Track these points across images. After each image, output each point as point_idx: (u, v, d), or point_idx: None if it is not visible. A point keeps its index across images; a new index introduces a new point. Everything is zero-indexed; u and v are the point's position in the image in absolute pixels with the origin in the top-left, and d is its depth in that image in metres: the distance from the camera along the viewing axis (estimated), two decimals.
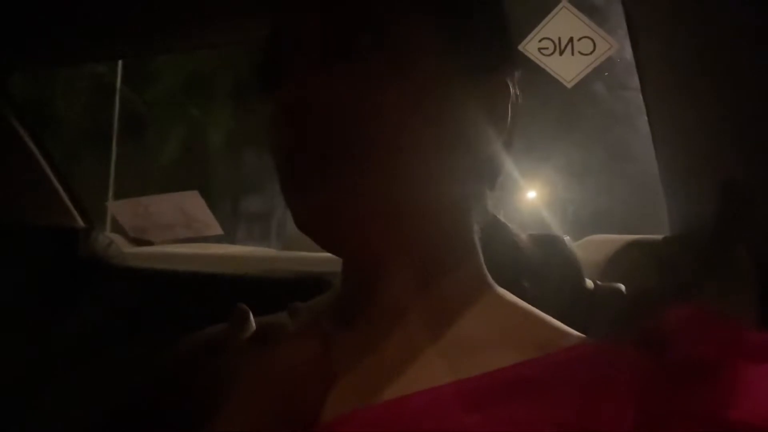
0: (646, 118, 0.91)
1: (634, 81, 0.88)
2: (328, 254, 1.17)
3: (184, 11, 0.97)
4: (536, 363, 0.41)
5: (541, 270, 0.71)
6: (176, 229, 1.30)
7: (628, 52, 0.84)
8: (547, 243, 0.74)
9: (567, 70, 0.87)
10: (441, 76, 0.44)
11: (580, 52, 0.84)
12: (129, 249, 1.21)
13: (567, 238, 0.77)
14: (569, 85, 0.88)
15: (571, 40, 0.85)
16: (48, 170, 1.23)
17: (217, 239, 1.40)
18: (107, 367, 0.77)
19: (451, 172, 0.45)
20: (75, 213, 1.26)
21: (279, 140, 0.44)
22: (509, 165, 0.49)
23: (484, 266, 0.49)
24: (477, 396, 0.40)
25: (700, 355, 0.38)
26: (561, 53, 0.87)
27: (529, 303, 0.49)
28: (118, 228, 1.37)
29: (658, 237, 0.98)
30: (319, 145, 0.41)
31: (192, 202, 1.29)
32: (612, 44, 0.84)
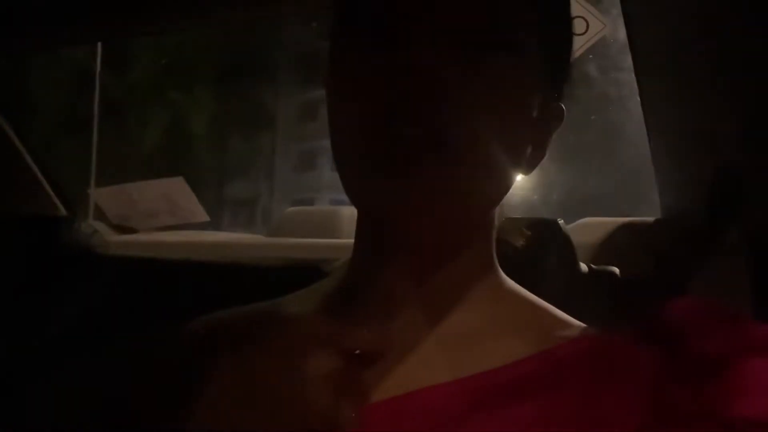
0: (638, 99, 0.90)
1: (627, 61, 0.87)
2: (316, 240, 1.15)
3: None
4: (541, 358, 0.41)
5: (536, 254, 0.71)
6: (161, 217, 1.28)
7: (622, 33, 0.83)
8: (542, 227, 0.74)
9: None
10: (536, 89, 0.44)
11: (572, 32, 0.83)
12: (113, 237, 1.19)
13: (561, 222, 0.76)
14: None
15: None
16: (29, 159, 1.21)
17: (202, 226, 1.38)
18: (95, 359, 0.75)
19: (513, 176, 0.45)
20: (57, 202, 1.23)
21: (375, 106, 0.40)
22: None
23: (495, 255, 0.49)
24: (483, 394, 0.40)
25: (705, 350, 0.38)
26: None
27: (524, 287, 0.49)
28: (101, 216, 1.35)
29: (650, 219, 0.99)
30: (437, 125, 0.39)
31: (177, 189, 1.27)
32: (605, 24, 0.83)
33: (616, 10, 0.81)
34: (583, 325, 0.46)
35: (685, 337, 0.40)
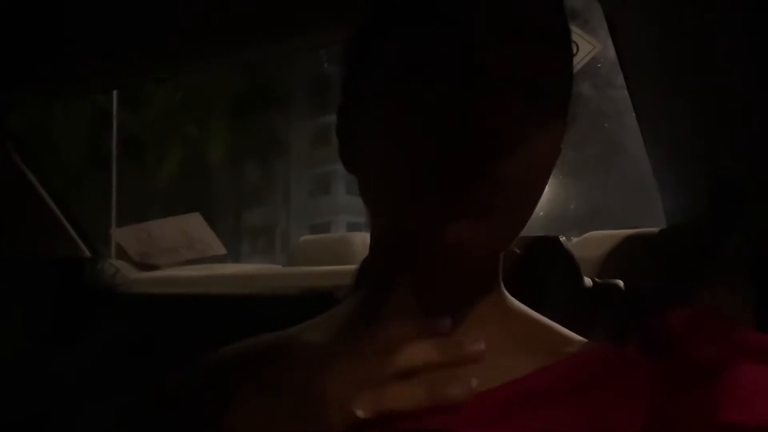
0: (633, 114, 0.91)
1: (621, 79, 0.88)
2: (330, 268, 1.17)
3: (176, 38, 0.98)
4: (544, 372, 0.42)
5: (539, 272, 0.72)
6: (180, 252, 1.31)
7: (612, 51, 0.85)
8: (543, 245, 0.75)
9: None
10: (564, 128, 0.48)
11: None
12: (135, 275, 1.23)
13: (563, 239, 0.78)
14: None
15: None
16: (51, 202, 1.25)
17: (222, 257, 1.41)
18: (123, 397, 0.78)
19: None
20: (80, 243, 1.27)
21: (443, 146, 0.41)
22: None
23: (501, 276, 0.50)
24: (489, 409, 0.41)
25: (704, 358, 0.39)
26: None
27: (529, 306, 0.51)
28: (123, 254, 1.39)
29: (655, 230, 0.99)
30: (498, 172, 0.41)
31: (194, 224, 1.31)
32: (595, 45, 0.85)
33: (604, 30, 0.82)
34: (584, 340, 0.47)
35: (681, 345, 0.41)
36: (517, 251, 0.70)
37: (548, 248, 0.75)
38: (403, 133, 0.43)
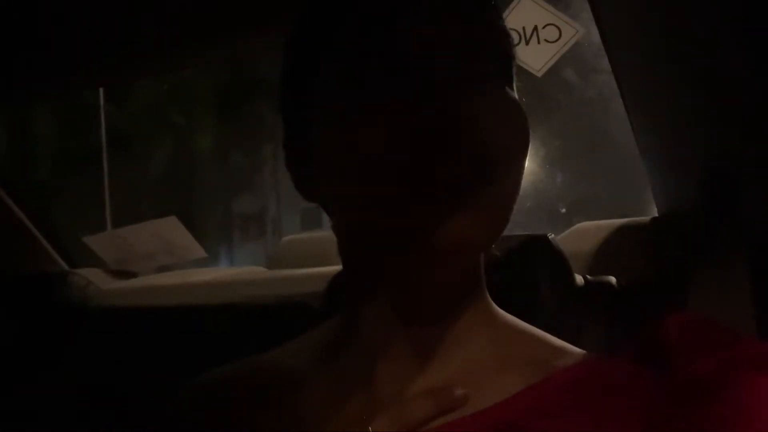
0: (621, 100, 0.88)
1: (605, 63, 0.85)
2: (317, 270, 1.14)
3: (159, 37, 0.94)
4: (539, 388, 0.41)
5: (528, 274, 0.69)
6: (158, 257, 1.28)
7: (596, 35, 0.81)
8: (531, 244, 0.72)
9: (535, 59, 0.86)
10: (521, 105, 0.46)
11: (546, 40, 0.83)
12: (108, 285, 1.18)
13: (551, 236, 0.74)
14: (539, 74, 0.87)
15: (535, 28, 0.83)
16: (23, 217, 1.20)
17: (215, 252, 1.38)
18: (103, 415, 0.75)
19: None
20: (56, 256, 1.22)
21: (411, 149, 0.40)
22: None
23: (485, 285, 0.48)
24: (486, 430, 0.40)
25: (697, 369, 0.38)
26: (527, 43, 0.85)
27: (520, 309, 0.49)
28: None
29: (646, 219, 0.97)
30: (474, 162, 0.40)
31: (170, 228, 1.27)
32: (577, 29, 0.82)
33: (588, 14, 0.79)
34: (578, 350, 0.46)
35: (677, 356, 0.40)
36: (505, 253, 0.67)
37: (537, 249, 0.72)
38: (363, 145, 0.40)
